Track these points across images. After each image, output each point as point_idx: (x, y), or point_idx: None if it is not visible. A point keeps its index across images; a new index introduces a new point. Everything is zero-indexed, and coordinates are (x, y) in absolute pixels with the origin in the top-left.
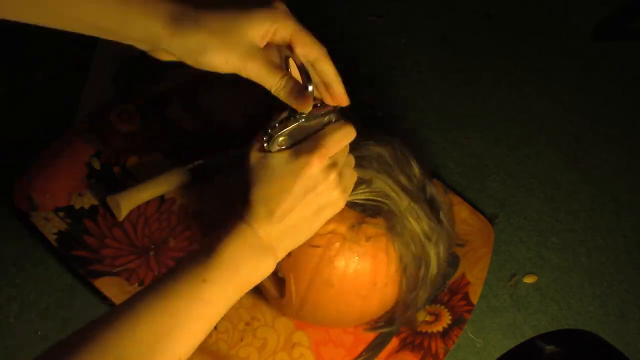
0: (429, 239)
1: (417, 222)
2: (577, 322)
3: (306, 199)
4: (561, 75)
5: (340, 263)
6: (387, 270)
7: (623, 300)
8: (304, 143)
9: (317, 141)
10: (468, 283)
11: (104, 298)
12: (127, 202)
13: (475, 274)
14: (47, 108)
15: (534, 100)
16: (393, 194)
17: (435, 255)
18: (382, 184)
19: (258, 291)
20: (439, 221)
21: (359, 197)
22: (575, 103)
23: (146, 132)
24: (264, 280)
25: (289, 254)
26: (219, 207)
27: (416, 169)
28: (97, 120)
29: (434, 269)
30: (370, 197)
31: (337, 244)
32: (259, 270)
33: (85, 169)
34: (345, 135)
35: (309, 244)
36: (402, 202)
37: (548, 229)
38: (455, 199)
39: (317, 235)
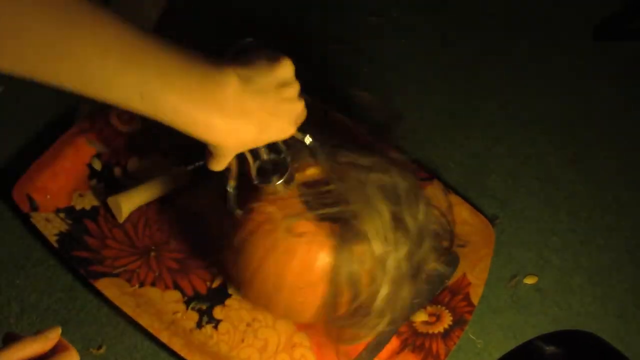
0: (384, 273)
1: (384, 253)
2: (577, 323)
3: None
4: (561, 75)
5: (262, 245)
6: (305, 275)
7: (623, 301)
8: None
9: None
10: (469, 284)
11: (104, 299)
12: (128, 204)
13: (476, 274)
14: (47, 108)
15: (534, 100)
16: (370, 220)
17: (386, 290)
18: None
19: None
20: (418, 269)
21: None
22: (576, 103)
23: (147, 133)
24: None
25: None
26: (220, 207)
27: (421, 214)
28: (98, 120)
29: (377, 300)
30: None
31: (268, 227)
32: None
33: (86, 169)
34: None
35: (249, 215)
36: (380, 232)
37: (548, 230)
38: (456, 200)
39: (255, 212)
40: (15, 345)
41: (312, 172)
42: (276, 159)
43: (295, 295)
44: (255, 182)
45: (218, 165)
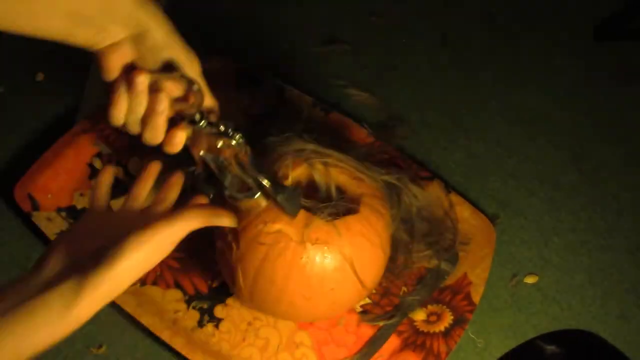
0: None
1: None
2: (578, 323)
3: None
4: (561, 75)
5: (283, 263)
6: (334, 275)
7: (624, 301)
8: None
9: None
10: (470, 283)
11: None
12: None
13: (477, 273)
14: (47, 108)
15: (535, 100)
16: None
17: None
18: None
19: None
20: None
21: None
22: (576, 103)
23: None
24: (225, 269)
25: (239, 246)
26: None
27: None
28: (99, 120)
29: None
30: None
31: (282, 244)
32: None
33: (87, 169)
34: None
35: (257, 241)
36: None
37: (549, 229)
38: (456, 199)
39: (263, 233)
40: None
41: (297, 174)
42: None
43: (330, 295)
44: (238, 197)
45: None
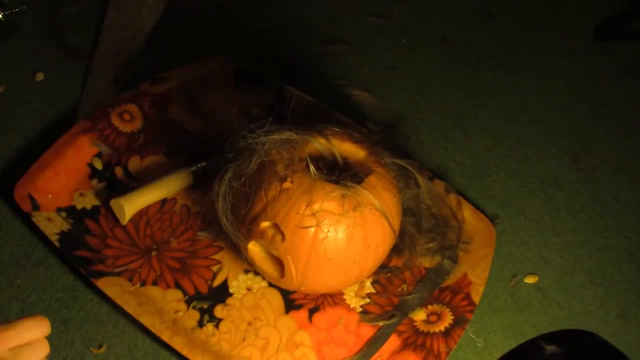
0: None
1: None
2: (578, 323)
3: None
4: (561, 75)
5: (333, 237)
6: (376, 233)
7: (624, 301)
8: None
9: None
10: (470, 283)
11: (105, 298)
12: (131, 206)
13: (477, 273)
14: (47, 108)
15: (535, 100)
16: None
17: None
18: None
19: (259, 292)
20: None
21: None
22: (576, 103)
23: (147, 133)
24: (263, 264)
25: (284, 238)
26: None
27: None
28: (99, 120)
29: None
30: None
31: (327, 220)
32: None
33: (87, 169)
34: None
35: (300, 226)
36: None
37: (549, 229)
38: (456, 199)
39: (305, 216)
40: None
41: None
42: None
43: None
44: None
45: None
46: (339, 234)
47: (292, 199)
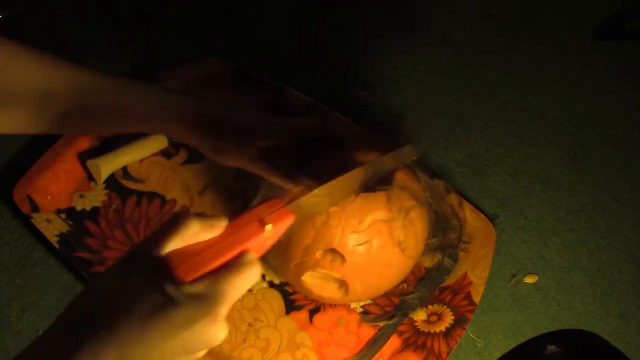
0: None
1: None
2: (578, 323)
3: (173, 353)
4: (561, 75)
5: (390, 243)
6: (422, 225)
7: (624, 301)
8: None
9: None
10: (470, 283)
11: None
12: (107, 166)
13: (478, 274)
14: None
15: (535, 100)
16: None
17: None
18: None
19: (259, 293)
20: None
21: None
22: (576, 103)
23: (147, 133)
24: (323, 290)
25: (345, 260)
26: (221, 209)
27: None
28: None
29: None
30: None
31: (382, 229)
32: None
33: (86, 170)
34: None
35: (359, 244)
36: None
37: (549, 229)
38: (457, 199)
39: (361, 232)
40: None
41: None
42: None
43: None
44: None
45: None
46: (396, 237)
47: (343, 220)
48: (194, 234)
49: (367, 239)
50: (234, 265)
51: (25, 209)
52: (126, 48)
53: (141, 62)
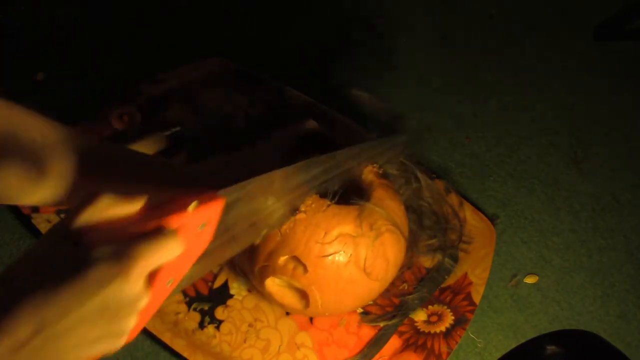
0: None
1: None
2: (578, 323)
3: (93, 319)
4: (561, 75)
5: (355, 259)
6: (394, 247)
7: (624, 301)
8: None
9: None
10: (470, 283)
11: None
12: None
13: (478, 274)
14: (47, 108)
15: (535, 100)
16: None
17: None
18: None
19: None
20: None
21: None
22: (576, 103)
23: (147, 133)
24: (284, 298)
25: (307, 270)
26: None
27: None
28: (98, 121)
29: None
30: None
31: (348, 244)
32: None
33: None
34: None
35: (322, 255)
36: None
37: (549, 229)
38: (457, 199)
39: (325, 244)
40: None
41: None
42: None
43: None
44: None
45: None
46: (361, 255)
47: (309, 228)
48: (106, 207)
49: (331, 252)
50: (147, 233)
51: (25, 209)
52: (126, 48)
53: (141, 62)
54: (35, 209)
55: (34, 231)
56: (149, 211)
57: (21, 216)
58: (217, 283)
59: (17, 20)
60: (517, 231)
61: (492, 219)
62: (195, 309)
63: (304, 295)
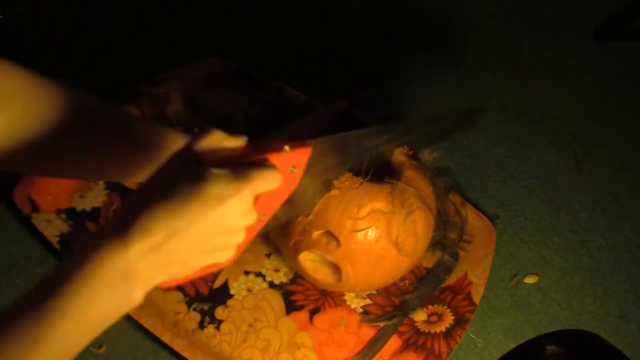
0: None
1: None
2: (578, 323)
3: (213, 230)
4: (561, 75)
5: (387, 235)
6: (423, 224)
7: (624, 301)
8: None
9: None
10: (470, 283)
11: None
12: None
13: (478, 274)
14: None
15: (535, 100)
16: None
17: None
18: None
19: (259, 293)
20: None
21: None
22: (576, 103)
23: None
24: (317, 272)
25: (340, 244)
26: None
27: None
28: None
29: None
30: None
31: (380, 220)
32: (116, 312)
33: None
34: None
35: (355, 230)
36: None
37: (549, 229)
38: (457, 199)
39: (358, 219)
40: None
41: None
42: None
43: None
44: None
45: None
46: (393, 231)
47: (342, 204)
48: (218, 140)
49: (364, 227)
50: (254, 162)
51: (25, 209)
52: (126, 48)
53: (141, 62)
54: (35, 209)
55: (34, 231)
56: (251, 149)
57: (21, 216)
58: (217, 283)
59: (17, 20)
60: (517, 231)
61: (492, 219)
62: (195, 309)
63: (336, 269)
